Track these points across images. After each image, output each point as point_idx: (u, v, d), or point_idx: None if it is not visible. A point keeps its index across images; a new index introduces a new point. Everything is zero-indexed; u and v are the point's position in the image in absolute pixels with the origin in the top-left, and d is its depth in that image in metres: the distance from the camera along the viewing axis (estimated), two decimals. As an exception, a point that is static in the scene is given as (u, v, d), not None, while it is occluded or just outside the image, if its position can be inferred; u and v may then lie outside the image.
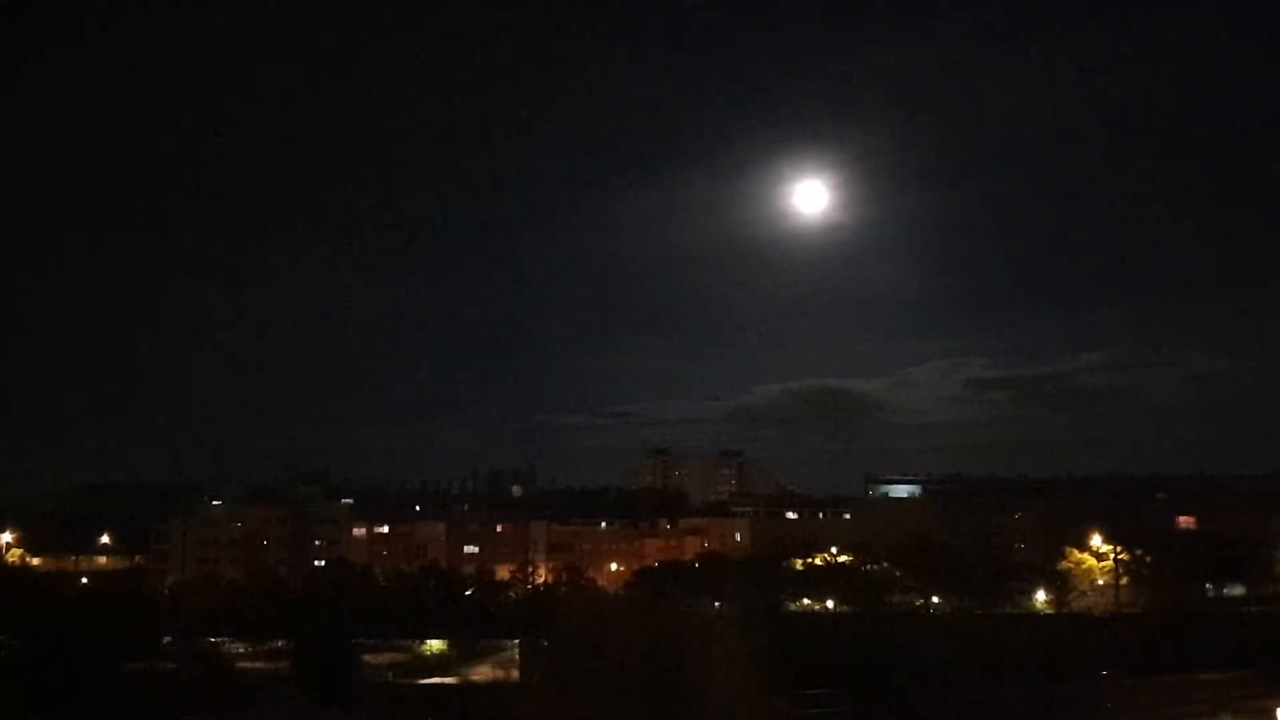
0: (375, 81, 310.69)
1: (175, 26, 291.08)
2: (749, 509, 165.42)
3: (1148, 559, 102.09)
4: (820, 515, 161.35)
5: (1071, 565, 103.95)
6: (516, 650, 79.49)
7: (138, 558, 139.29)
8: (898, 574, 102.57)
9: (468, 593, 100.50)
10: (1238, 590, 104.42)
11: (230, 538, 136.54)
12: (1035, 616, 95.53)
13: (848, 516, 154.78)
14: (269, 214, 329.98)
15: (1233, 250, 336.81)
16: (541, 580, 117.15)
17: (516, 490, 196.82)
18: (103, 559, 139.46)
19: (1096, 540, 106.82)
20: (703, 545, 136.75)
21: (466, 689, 74.22)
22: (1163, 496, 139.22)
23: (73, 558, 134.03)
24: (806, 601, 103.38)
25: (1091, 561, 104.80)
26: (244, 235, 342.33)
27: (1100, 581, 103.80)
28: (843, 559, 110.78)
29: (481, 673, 79.59)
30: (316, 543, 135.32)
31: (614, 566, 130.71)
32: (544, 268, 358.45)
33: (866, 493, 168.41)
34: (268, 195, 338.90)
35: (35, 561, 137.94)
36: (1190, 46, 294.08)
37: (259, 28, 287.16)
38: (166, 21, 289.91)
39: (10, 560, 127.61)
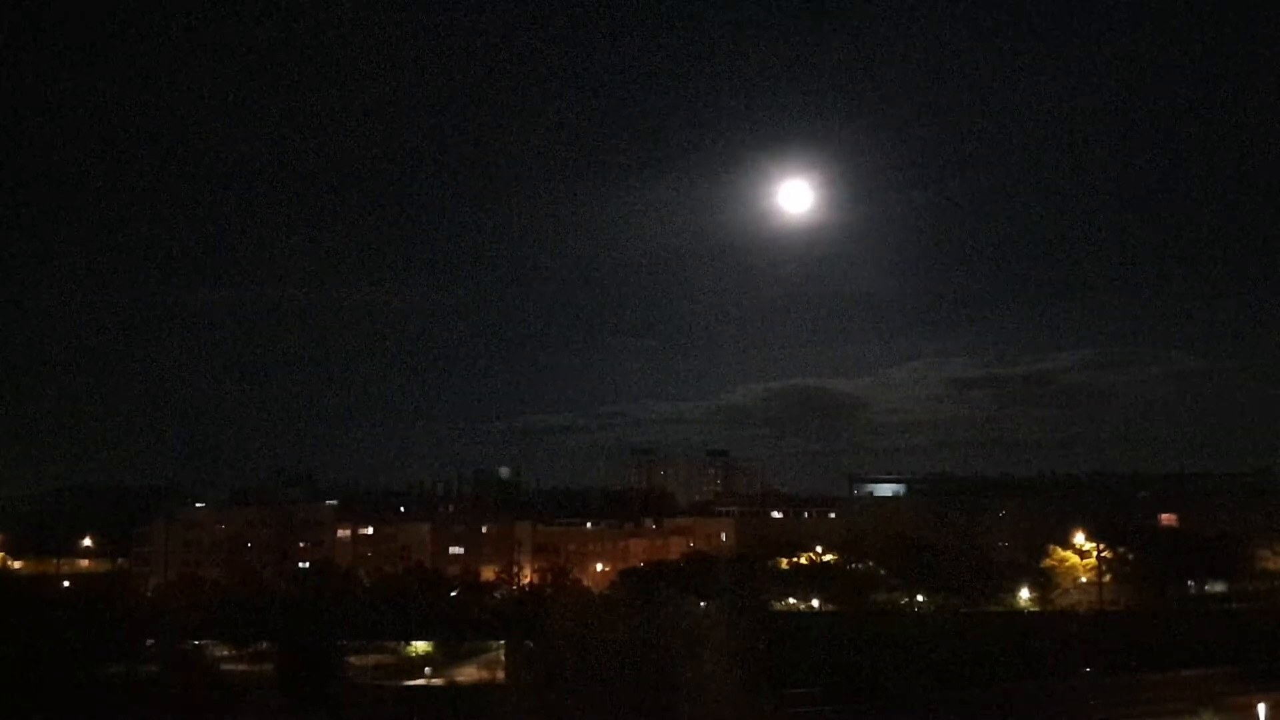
0: (365, 82, 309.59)
1: (176, 26, 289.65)
2: (734, 508, 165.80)
3: (1130, 557, 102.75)
4: (805, 514, 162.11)
5: (1055, 563, 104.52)
6: (502, 651, 79.21)
7: (120, 560, 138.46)
8: (882, 572, 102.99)
9: (453, 594, 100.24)
10: (1219, 587, 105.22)
11: (213, 540, 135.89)
12: (1019, 614, 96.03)
13: (833, 515, 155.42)
14: (255, 215, 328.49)
15: (1213, 249, 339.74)
16: (527, 581, 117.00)
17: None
18: (84, 561, 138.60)
19: (1079, 538, 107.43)
20: (688, 545, 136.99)
21: (452, 690, 73.94)
22: (1145, 494, 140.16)
23: (54, 560, 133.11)
24: (792, 601, 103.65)
25: (1075, 559, 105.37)
26: (228, 236, 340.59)
27: (1083, 579, 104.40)
28: (828, 558, 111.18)
29: (467, 674, 79.23)
30: (300, 544, 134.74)
31: (599, 567, 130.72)
32: (528, 269, 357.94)
33: (851, 492, 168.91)
34: (254, 196, 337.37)
35: (16, 565, 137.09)
36: (1171, 47, 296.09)
37: (257, 28, 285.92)
38: (167, 21, 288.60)
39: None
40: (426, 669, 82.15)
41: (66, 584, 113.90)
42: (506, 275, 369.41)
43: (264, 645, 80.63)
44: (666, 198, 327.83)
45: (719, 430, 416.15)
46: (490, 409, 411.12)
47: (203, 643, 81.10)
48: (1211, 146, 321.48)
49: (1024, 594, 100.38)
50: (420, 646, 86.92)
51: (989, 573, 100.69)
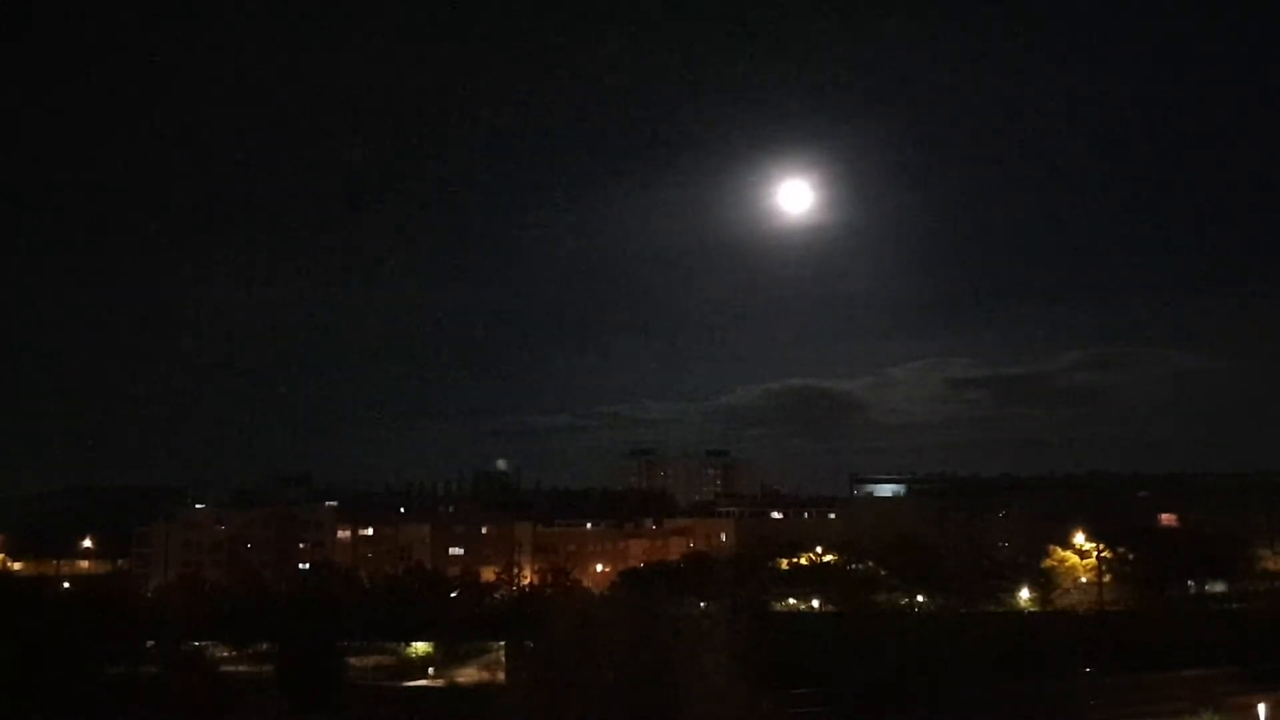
0: (359, 82, 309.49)
1: (173, 25, 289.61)
2: (734, 509, 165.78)
3: (1130, 557, 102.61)
4: (805, 515, 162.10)
5: (1055, 563, 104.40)
6: (502, 652, 79.29)
7: (120, 561, 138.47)
8: (883, 573, 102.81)
9: (453, 595, 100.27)
10: (1219, 587, 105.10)
11: (213, 540, 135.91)
12: (1019, 614, 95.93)
13: (833, 516, 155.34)
14: (253, 215, 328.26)
15: (1211, 249, 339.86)
16: (527, 582, 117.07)
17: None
18: (85, 563, 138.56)
19: (1079, 538, 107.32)
20: (688, 545, 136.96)
21: (452, 691, 74.02)
22: (1144, 494, 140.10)
23: (54, 561, 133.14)
24: (792, 601, 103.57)
25: (1074, 559, 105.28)
26: (225, 236, 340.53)
27: (1083, 579, 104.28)
28: (828, 558, 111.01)
29: (467, 675, 79.34)
30: (301, 545, 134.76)
31: (599, 567, 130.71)
32: (526, 268, 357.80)
33: (851, 492, 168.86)
34: (252, 196, 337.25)
35: (16, 566, 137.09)
36: (1167, 45, 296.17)
37: (253, 29, 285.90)
38: (165, 19, 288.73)
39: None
40: (430, 669, 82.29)
41: (67, 585, 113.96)
42: (507, 275, 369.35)
43: (264, 646, 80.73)
44: (666, 198, 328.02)
45: (719, 430, 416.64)
46: (490, 409, 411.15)
47: (203, 644, 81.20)
48: (1211, 145, 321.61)
49: (1024, 594, 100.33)
50: (420, 647, 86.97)
51: (989, 573, 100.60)
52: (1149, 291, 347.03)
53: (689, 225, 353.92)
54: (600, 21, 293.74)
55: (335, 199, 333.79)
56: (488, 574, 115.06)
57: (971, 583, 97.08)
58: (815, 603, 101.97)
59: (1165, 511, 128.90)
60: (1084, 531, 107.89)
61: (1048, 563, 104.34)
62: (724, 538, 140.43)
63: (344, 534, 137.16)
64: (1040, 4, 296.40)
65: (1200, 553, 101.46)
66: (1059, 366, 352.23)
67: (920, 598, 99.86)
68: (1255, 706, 47.69)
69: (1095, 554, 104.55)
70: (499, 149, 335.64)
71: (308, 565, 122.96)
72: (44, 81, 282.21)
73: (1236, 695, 53.37)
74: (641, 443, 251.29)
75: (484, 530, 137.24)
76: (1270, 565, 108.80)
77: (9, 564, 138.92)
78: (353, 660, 77.91)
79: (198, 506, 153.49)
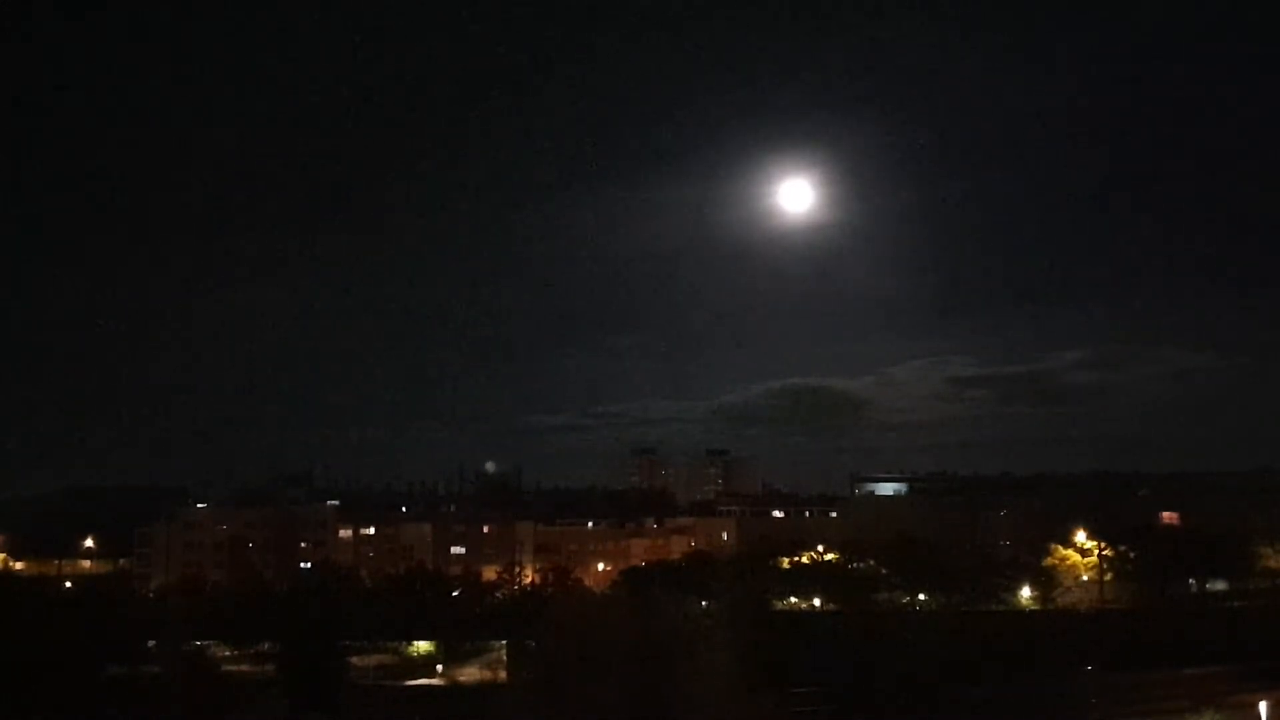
0: (358, 82, 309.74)
1: (172, 24, 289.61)
2: (735, 508, 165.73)
3: (1132, 555, 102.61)
4: (807, 514, 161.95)
5: (1056, 562, 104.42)
6: (504, 651, 79.42)
7: (122, 561, 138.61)
8: (884, 572, 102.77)
9: (454, 594, 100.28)
10: (1220, 586, 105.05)
11: (215, 540, 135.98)
12: (1020, 613, 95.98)
13: (834, 515, 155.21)
14: (253, 215, 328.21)
15: (1213, 247, 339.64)
16: (528, 581, 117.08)
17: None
18: (86, 563, 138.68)
19: (1081, 537, 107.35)
20: (689, 545, 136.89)
21: (454, 690, 74.16)
22: (1146, 493, 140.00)
23: (56, 561, 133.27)
24: (793, 600, 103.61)
25: (1076, 558, 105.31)
26: (226, 236, 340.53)
27: (1085, 578, 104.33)
28: (829, 557, 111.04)
29: (469, 674, 79.51)
30: (302, 545, 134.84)
31: (601, 566, 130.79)
32: (526, 268, 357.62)
33: (852, 491, 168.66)
34: (250, 196, 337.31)
35: (18, 566, 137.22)
36: (1167, 44, 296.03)
37: (252, 29, 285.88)
38: (164, 19, 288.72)
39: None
40: (438, 667, 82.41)
41: (68, 585, 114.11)
42: (506, 275, 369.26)
43: (266, 646, 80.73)
44: (667, 198, 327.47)
45: (719, 430, 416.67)
46: (491, 409, 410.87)
47: (204, 644, 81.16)
48: (1213, 144, 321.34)
49: (1025, 593, 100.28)
50: (422, 646, 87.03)
51: (990, 572, 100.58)
52: (1150, 290, 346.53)
53: (689, 225, 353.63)
54: (600, 21, 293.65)
55: (334, 199, 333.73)
56: (489, 573, 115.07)
57: (972, 581, 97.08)
58: (816, 602, 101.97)
59: (1166, 510, 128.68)
60: (1085, 530, 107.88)
61: (1049, 561, 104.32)
62: (725, 537, 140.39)
63: (345, 533, 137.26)
64: (1040, 4, 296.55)
65: (1201, 551, 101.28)
66: (1060, 365, 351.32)
67: (921, 596, 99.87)
68: (1256, 705, 47.60)
69: (1097, 552, 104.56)
70: (499, 149, 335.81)
71: (309, 565, 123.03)
72: (43, 82, 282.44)
73: (1237, 694, 53.39)
74: (642, 442, 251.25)
75: (485, 530, 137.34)
76: (1271, 564, 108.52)
77: (10, 564, 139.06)
78: (354, 659, 77.95)
79: (199, 506, 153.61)
